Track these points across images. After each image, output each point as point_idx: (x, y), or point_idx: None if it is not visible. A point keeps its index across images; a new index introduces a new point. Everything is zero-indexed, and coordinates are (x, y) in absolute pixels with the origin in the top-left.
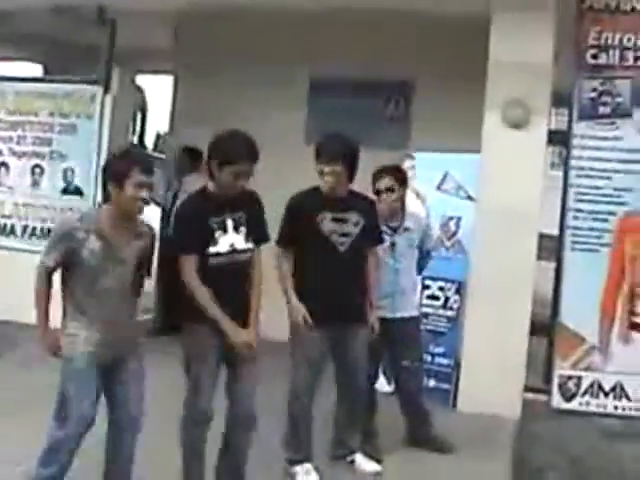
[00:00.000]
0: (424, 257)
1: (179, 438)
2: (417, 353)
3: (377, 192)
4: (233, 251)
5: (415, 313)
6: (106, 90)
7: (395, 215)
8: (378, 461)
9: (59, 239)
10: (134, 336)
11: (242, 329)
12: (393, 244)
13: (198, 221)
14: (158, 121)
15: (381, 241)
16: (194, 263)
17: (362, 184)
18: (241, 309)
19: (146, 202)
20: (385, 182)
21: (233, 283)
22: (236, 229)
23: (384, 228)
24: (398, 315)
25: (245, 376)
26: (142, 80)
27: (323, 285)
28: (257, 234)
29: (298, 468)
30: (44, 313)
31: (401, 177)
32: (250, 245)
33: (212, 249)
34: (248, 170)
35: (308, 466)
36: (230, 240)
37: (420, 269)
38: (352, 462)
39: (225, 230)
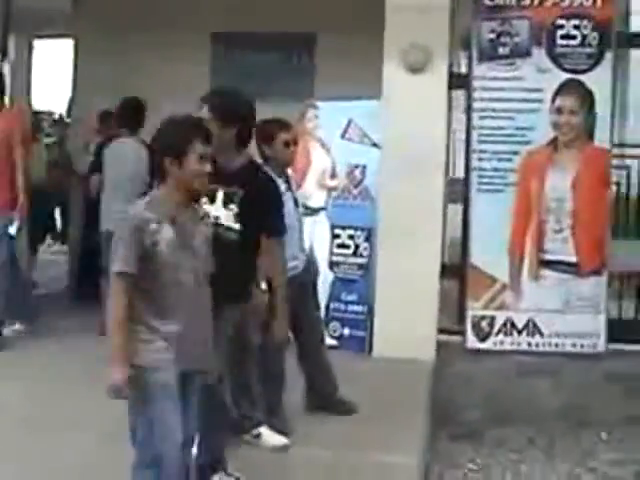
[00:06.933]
0: None
1: None
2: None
3: (286, 143)
4: (216, 224)
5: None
6: (3, 57)
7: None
8: (286, 433)
9: (132, 236)
10: (208, 338)
11: None
12: (296, 200)
13: None
14: (63, 86)
15: None
16: None
17: None
18: (224, 290)
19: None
20: (294, 134)
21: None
22: (225, 204)
23: (285, 185)
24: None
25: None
26: (42, 45)
27: None
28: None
29: None
30: (125, 338)
31: None
32: (237, 227)
33: None
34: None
35: None
36: (215, 212)
37: None
38: (258, 436)
39: (213, 200)
